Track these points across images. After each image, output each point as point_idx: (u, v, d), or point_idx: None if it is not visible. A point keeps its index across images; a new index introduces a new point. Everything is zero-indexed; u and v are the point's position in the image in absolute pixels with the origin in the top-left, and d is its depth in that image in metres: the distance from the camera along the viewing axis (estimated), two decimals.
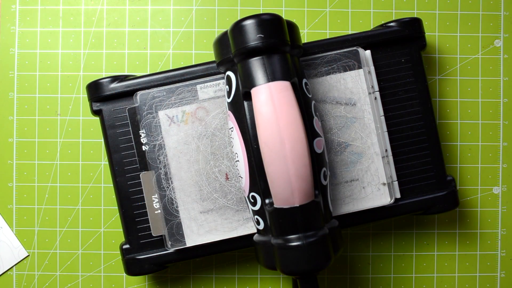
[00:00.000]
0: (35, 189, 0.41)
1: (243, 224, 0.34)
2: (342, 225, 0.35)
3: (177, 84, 0.34)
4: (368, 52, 0.35)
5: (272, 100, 0.28)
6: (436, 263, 0.41)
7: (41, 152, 0.41)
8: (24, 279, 0.40)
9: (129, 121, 0.35)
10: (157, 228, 0.35)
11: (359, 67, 0.35)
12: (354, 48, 0.35)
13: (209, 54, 0.41)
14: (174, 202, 0.34)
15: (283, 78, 0.29)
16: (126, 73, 0.36)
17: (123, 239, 0.37)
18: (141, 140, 0.34)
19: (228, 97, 0.32)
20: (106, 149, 0.36)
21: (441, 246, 0.41)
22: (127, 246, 0.36)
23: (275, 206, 0.30)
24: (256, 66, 0.29)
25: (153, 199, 0.34)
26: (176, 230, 0.34)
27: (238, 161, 0.32)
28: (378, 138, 0.35)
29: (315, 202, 0.30)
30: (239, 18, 0.32)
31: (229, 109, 0.32)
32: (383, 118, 0.35)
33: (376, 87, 0.35)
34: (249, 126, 0.30)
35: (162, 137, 0.34)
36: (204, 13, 0.41)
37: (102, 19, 0.41)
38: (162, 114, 0.34)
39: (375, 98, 0.35)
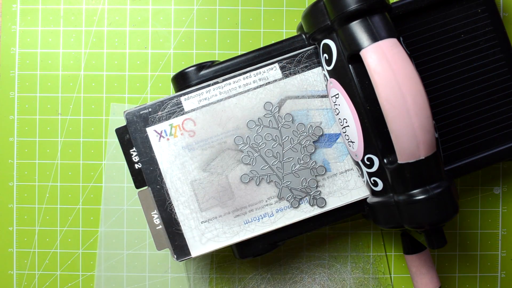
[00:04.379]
0: (35, 189, 0.40)
1: (244, 229, 0.34)
2: None
3: (162, 98, 0.34)
4: None
5: (386, 58, 0.28)
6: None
7: (41, 151, 0.41)
8: (24, 279, 0.40)
9: (119, 141, 0.34)
10: (161, 243, 0.34)
11: None
12: None
13: (210, 54, 0.41)
14: (174, 216, 0.34)
15: (390, 36, 0.29)
16: (209, 61, 0.35)
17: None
18: (133, 158, 0.34)
19: (329, 65, 0.32)
20: None
21: None
22: None
23: (399, 162, 0.30)
24: (361, 27, 0.30)
25: (152, 215, 0.34)
26: (180, 242, 0.34)
27: (347, 126, 0.32)
28: None
29: (437, 153, 0.30)
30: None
31: (331, 77, 0.32)
32: None
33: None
34: (359, 88, 0.31)
35: (153, 153, 0.34)
36: (205, 12, 0.41)
37: (103, 19, 0.41)
38: (150, 130, 0.34)
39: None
